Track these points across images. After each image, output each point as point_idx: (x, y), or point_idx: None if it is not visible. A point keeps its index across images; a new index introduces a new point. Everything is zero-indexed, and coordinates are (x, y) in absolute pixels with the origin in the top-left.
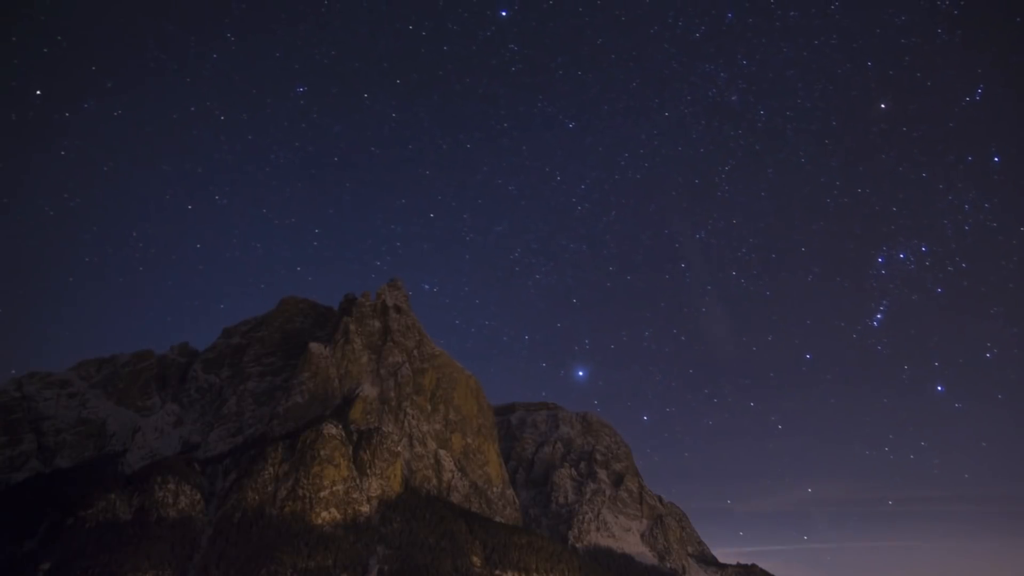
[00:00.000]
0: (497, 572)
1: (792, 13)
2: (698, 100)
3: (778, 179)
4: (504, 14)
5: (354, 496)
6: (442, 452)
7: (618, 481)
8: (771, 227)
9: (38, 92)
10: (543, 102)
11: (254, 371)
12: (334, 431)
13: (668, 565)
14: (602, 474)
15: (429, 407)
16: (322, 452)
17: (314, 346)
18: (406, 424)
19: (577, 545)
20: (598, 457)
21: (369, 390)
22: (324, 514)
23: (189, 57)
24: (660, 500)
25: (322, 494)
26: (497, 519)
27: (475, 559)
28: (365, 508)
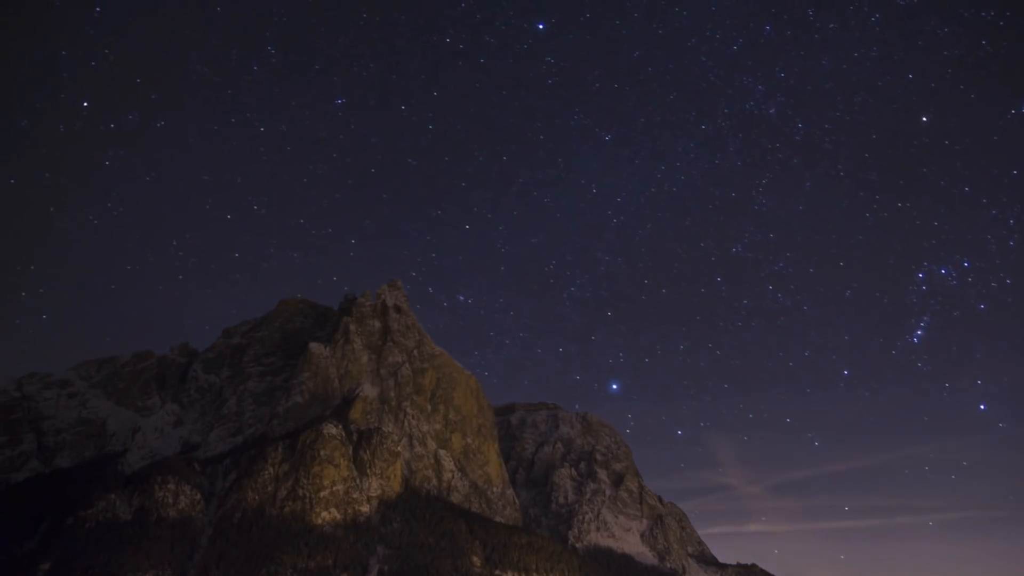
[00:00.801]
0: (497, 572)
1: (831, 25)
2: (735, 113)
3: (816, 193)
4: (541, 27)
5: (354, 496)
6: (442, 452)
7: (618, 481)
8: (809, 241)
9: (85, 104)
10: (579, 115)
11: (254, 371)
12: (334, 431)
13: (668, 565)
14: (602, 474)
15: (429, 407)
16: (322, 452)
17: (314, 346)
18: (406, 424)
19: (577, 545)
20: (598, 457)
21: (369, 390)
22: (324, 514)
23: (231, 70)
24: (660, 500)
25: (322, 494)
26: (497, 519)
27: (475, 559)
28: (365, 508)
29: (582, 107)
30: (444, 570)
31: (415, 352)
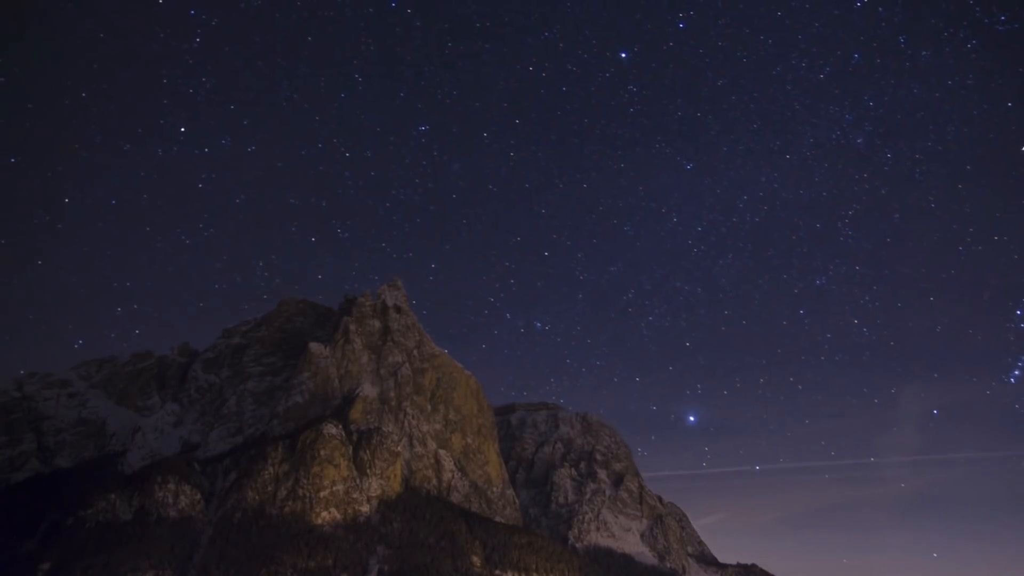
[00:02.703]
0: (497, 572)
1: (924, 53)
2: (821, 142)
3: (905, 225)
4: (624, 56)
5: (354, 496)
6: (442, 452)
7: (618, 481)
8: (897, 275)
9: (182, 129)
10: (661, 143)
11: (254, 371)
12: (334, 431)
13: (668, 565)
14: (602, 474)
15: (429, 407)
16: (322, 452)
17: (314, 346)
18: (406, 424)
19: (577, 545)
20: (598, 457)
21: (369, 390)
22: (324, 514)
23: (319, 97)
24: (660, 500)
25: (322, 494)
26: (497, 519)
27: (475, 559)
28: (365, 508)
29: (664, 135)
30: (444, 570)
31: (415, 352)
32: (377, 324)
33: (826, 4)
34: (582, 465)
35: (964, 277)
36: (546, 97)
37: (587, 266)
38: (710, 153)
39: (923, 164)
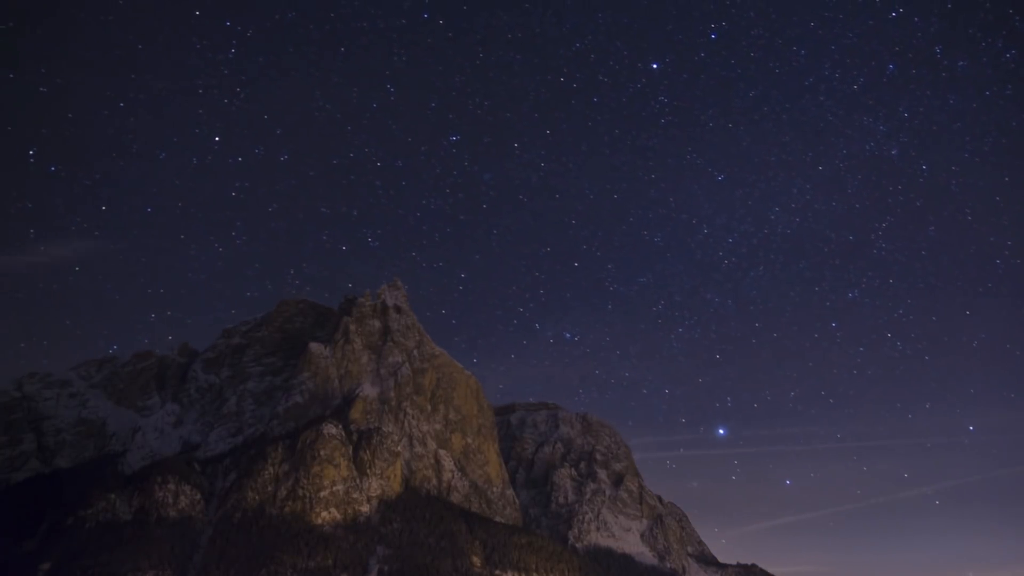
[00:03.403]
0: (497, 572)
1: (960, 63)
2: (854, 154)
3: (941, 237)
4: (655, 66)
5: (354, 496)
6: (442, 452)
7: (618, 481)
8: (932, 288)
9: (217, 139)
10: (692, 154)
11: (254, 371)
12: (334, 431)
13: (668, 565)
14: (602, 474)
15: (429, 407)
16: (322, 452)
17: (314, 346)
18: (406, 424)
19: (577, 545)
20: (598, 457)
21: (369, 390)
22: (324, 514)
23: (351, 107)
24: (660, 500)
25: (322, 494)
26: (497, 519)
27: (475, 559)
28: (365, 508)
29: (695, 146)
30: (444, 570)
31: (415, 352)
32: (377, 324)
33: (860, 14)
34: (582, 465)
35: (1002, 291)
36: (577, 108)
37: (617, 277)
38: (741, 164)
39: (959, 176)
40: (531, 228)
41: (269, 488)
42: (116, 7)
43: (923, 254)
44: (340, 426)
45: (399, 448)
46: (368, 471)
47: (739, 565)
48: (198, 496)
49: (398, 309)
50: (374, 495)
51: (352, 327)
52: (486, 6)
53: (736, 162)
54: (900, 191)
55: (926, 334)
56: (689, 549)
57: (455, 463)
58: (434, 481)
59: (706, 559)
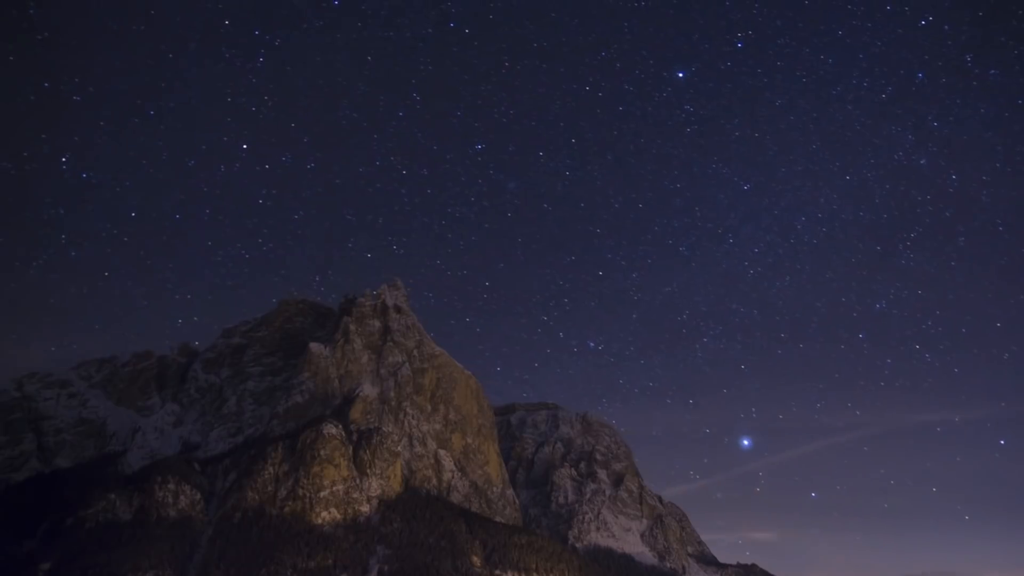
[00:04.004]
0: (497, 572)
1: (992, 71)
2: (882, 163)
3: (971, 248)
4: (681, 75)
5: (354, 496)
6: (442, 452)
7: (618, 481)
8: (961, 299)
9: (244, 146)
10: (718, 163)
11: (254, 371)
12: (334, 431)
13: (668, 565)
14: (602, 474)
15: (429, 407)
16: (322, 452)
17: (314, 346)
18: (406, 424)
19: (577, 545)
20: (598, 457)
21: (369, 390)
22: (324, 514)
23: (377, 115)
24: (660, 500)
25: (322, 494)
26: (497, 519)
27: (475, 559)
28: (365, 508)
29: (720, 156)
30: (444, 570)
31: (415, 352)
32: (377, 324)
33: (889, 22)
34: (582, 465)
35: None
36: (602, 116)
37: (641, 286)
38: (768, 174)
39: (990, 186)
40: (556, 237)
41: (269, 488)
42: (148, 17)
43: (952, 265)
44: (340, 426)
45: (399, 448)
46: (368, 471)
47: (739, 565)
48: (198, 496)
49: (398, 309)
50: (374, 495)
51: (352, 327)
52: (512, 15)
53: (762, 171)
54: (929, 201)
55: (955, 346)
56: (689, 549)
57: (455, 463)
58: (434, 481)
59: (706, 559)
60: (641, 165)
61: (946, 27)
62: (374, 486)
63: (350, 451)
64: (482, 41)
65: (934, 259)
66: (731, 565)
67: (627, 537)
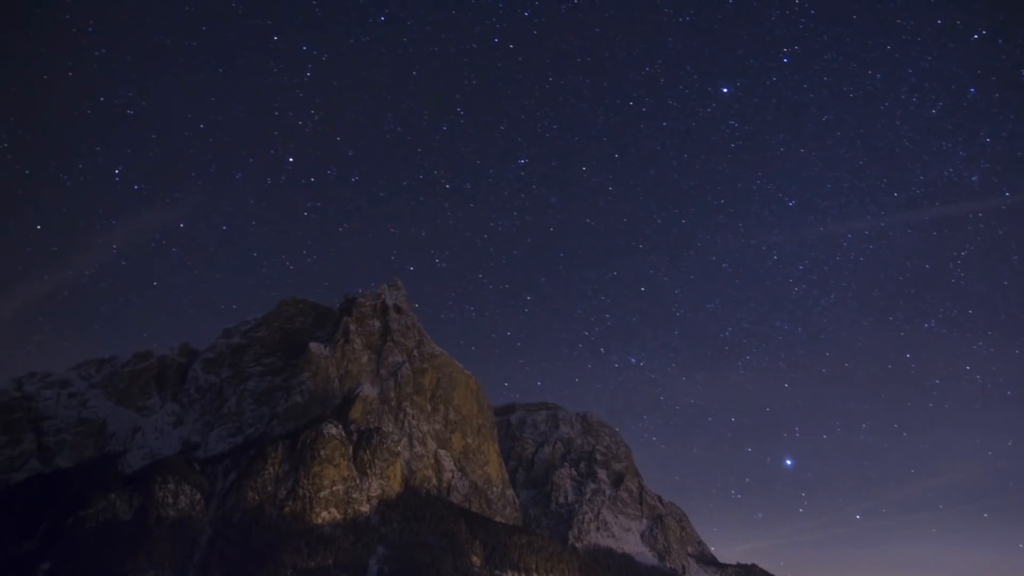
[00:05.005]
0: (497, 572)
1: None
2: (932, 180)
3: None
4: (726, 91)
5: (354, 496)
6: (442, 452)
7: (618, 481)
8: (1014, 319)
9: (291, 160)
10: (762, 179)
11: (254, 371)
12: (334, 431)
13: (668, 565)
14: (602, 474)
15: (429, 407)
16: (322, 452)
17: (314, 346)
18: (406, 424)
19: (577, 545)
20: (598, 457)
21: (369, 390)
22: (324, 514)
23: (422, 129)
24: (660, 500)
25: (322, 494)
26: (497, 519)
27: (475, 559)
28: (365, 508)
29: (765, 171)
30: (444, 570)
31: (415, 352)
32: (377, 324)
33: (940, 37)
34: (582, 465)
35: None
36: (646, 132)
37: (684, 303)
38: (813, 190)
39: None
40: (598, 252)
41: (269, 488)
42: (200, 34)
43: (1005, 284)
44: (340, 426)
45: (399, 448)
46: (368, 471)
47: (739, 565)
48: (198, 496)
49: (398, 309)
50: (374, 495)
51: (352, 327)
52: (556, 30)
53: (808, 188)
54: (980, 219)
55: (1008, 368)
56: (689, 549)
57: (455, 463)
58: (434, 481)
59: (706, 559)
60: (684, 180)
61: (1000, 41)
62: (374, 486)
63: (350, 451)
64: (526, 56)
65: (986, 278)
66: (731, 565)
67: (627, 537)
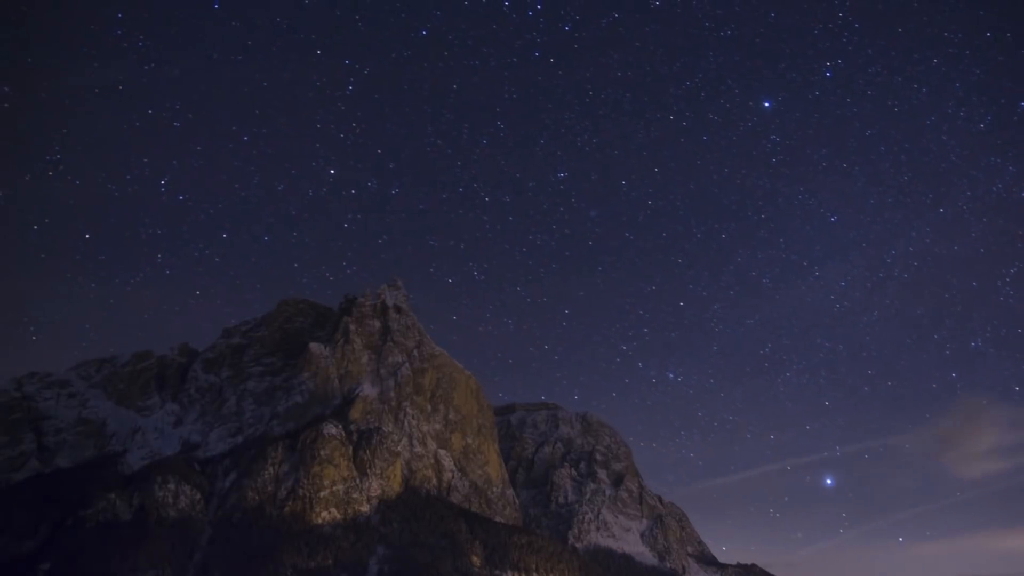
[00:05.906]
0: (497, 572)
1: None
2: (979, 196)
3: None
4: (767, 105)
5: (354, 496)
6: (442, 452)
7: (618, 481)
8: None
9: (332, 172)
10: (804, 194)
11: (254, 371)
12: (334, 431)
13: (668, 565)
14: (602, 474)
15: (429, 407)
16: (322, 452)
17: (314, 346)
18: (406, 424)
19: (577, 545)
20: (598, 457)
21: (369, 390)
22: (324, 514)
23: (462, 143)
24: (660, 500)
25: (322, 494)
26: (497, 519)
27: (475, 559)
28: (365, 508)
29: (807, 186)
30: (444, 570)
31: (415, 352)
32: (377, 324)
33: (989, 50)
34: (582, 465)
35: None
36: (686, 146)
37: (723, 318)
38: (856, 205)
39: None
40: (636, 266)
41: (269, 488)
42: (245, 48)
43: None
44: (340, 426)
45: (399, 448)
46: (368, 471)
47: (739, 565)
48: (198, 496)
49: (398, 309)
50: (374, 495)
51: (352, 327)
52: (596, 44)
53: (850, 203)
54: None
55: None
56: (689, 549)
57: (455, 463)
58: (434, 481)
59: (706, 559)
60: (725, 195)
61: None
62: (374, 486)
63: (350, 451)
64: (566, 70)
65: None
66: (731, 565)
67: (627, 537)
